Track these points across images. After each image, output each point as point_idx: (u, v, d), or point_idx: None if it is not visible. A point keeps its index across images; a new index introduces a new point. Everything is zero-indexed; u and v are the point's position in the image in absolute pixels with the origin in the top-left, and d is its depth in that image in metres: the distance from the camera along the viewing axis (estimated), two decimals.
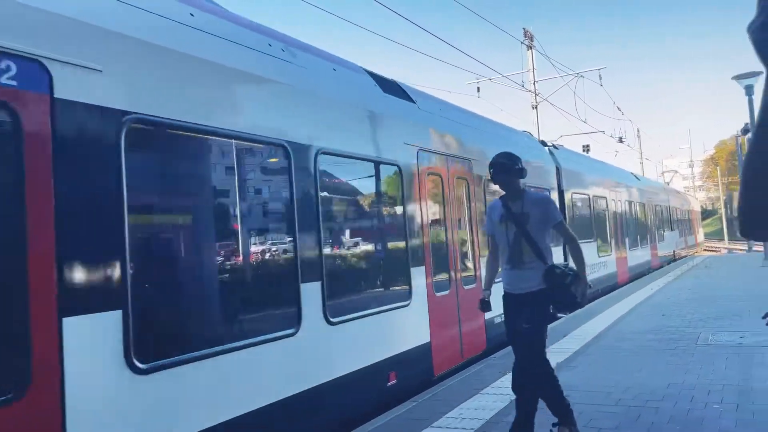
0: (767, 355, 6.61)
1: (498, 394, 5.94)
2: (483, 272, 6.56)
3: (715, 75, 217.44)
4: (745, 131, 23.13)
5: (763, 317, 2.11)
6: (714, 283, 15.26)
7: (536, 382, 4.43)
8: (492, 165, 4.54)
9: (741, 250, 36.77)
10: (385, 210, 6.76)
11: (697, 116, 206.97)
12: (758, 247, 25.98)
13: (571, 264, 4.48)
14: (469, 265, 8.34)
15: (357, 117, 6.23)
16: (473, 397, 5.89)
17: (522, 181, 4.60)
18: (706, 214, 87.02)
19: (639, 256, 20.18)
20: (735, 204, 63.28)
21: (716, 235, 68.02)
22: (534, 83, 24.14)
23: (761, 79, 19.03)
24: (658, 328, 9.03)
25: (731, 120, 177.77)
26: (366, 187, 6.50)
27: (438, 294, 7.22)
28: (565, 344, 8.24)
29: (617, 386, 5.94)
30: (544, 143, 13.87)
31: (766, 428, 4.48)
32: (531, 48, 23.90)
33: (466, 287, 7.95)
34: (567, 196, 13.11)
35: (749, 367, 6.18)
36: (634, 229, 20.13)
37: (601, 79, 25.58)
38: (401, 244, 6.76)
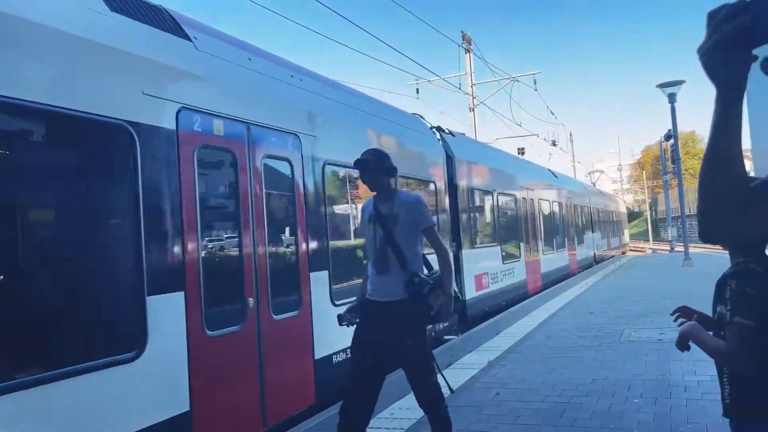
0: None
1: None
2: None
3: (642, 83, 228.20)
4: (668, 137, 24.29)
5: (672, 314, 2.18)
6: (638, 282, 15.95)
7: (430, 409, 3.96)
8: (356, 163, 4.12)
9: (664, 250, 38.63)
10: (99, 201, 4.22)
11: (626, 122, 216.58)
12: (680, 247, 27.37)
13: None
14: (288, 284, 5.90)
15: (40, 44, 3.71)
16: (404, 397, 5.90)
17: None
18: (633, 216, 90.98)
19: (554, 260, 18.37)
20: (660, 207, 66.68)
21: (642, 235, 71.28)
22: (471, 86, 24.57)
23: (684, 88, 19.61)
24: (585, 325, 9.34)
25: (657, 126, 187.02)
26: (64, 161, 4.08)
27: (213, 333, 4.71)
28: (497, 342, 8.40)
29: (545, 383, 6.09)
30: (439, 129, 11.42)
31: (682, 421, 4.69)
32: (469, 51, 24.31)
33: (277, 317, 5.57)
34: (461, 192, 11.15)
35: (667, 363, 6.46)
36: (551, 231, 18.45)
37: (535, 83, 26.41)
38: (124, 255, 4.24)
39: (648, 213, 72.39)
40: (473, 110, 24.78)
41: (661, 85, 20.12)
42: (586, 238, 24.83)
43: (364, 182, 4.15)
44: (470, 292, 10.83)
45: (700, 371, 5.86)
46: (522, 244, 14.90)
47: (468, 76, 24.58)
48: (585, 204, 25.94)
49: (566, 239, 20.59)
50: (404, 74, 60.24)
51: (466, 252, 10.89)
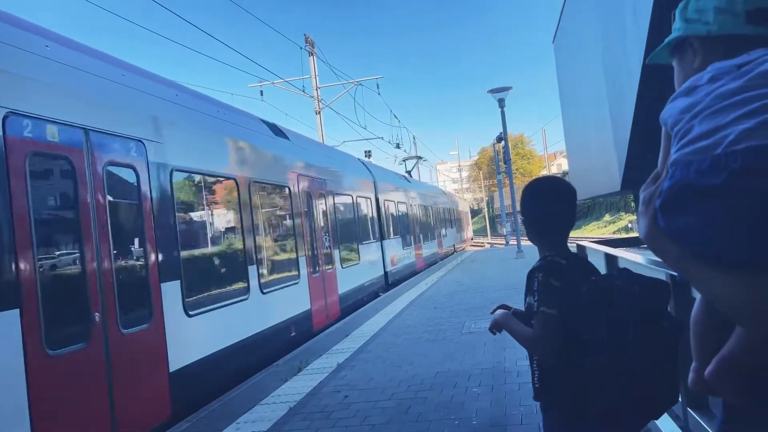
0: None
1: (277, 402, 5.82)
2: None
3: (478, 87, 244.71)
4: (499, 139, 26.20)
5: (492, 312, 2.28)
6: (478, 275, 16.97)
7: None
8: None
9: (501, 244, 41.63)
10: None
11: (464, 125, 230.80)
12: (513, 241, 29.61)
13: None
14: (137, 296, 5.62)
15: None
16: (252, 409, 5.70)
17: None
18: (473, 213, 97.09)
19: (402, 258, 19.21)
20: (495, 204, 72.07)
21: (481, 231, 76.33)
22: (316, 89, 24.61)
23: (512, 93, 20.90)
24: (430, 320, 9.72)
25: (491, 129, 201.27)
26: None
27: (54, 352, 4.42)
28: (347, 344, 8.44)
29: (392, 381, 6.21)
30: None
31: (515, 404, 5.01)
32: (312, 54, 24.33)
33: (126, 331, 5.26)
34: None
35: (502, 351, 6.90)
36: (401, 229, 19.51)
37: (378, 88, 27.14)
38: None
39: (485, 210, 77.66)
40: (319, 113, 24.86)
41: (492, 91, 21.64)
42: (433, 235, 26.33)
43: None
44: None
45: None
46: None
47: (312, 78, 24.60)
48: (430, 204, 27.06)
49: (413, 238, 21.52)
50: (247, 76, 58.78)
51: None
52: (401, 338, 8.51)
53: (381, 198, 17.29)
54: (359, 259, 14.08)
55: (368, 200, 15.88)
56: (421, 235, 23.46)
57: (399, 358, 7.26)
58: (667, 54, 1.41)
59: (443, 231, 30.74)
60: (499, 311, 2.15)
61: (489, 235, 66.25)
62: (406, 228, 20.59)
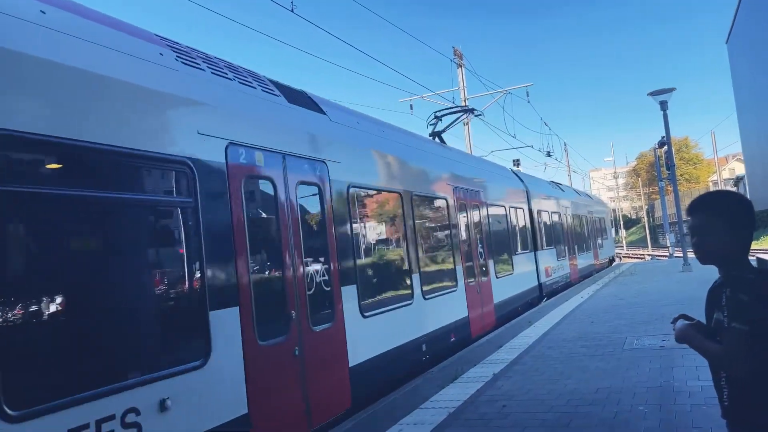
0: (687, 357, 7.00)
1: (436, 408, 6.02)
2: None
3: (635, 90, 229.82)
4: (661, 144, 24.49)
5: (672, 322, 2.26)
6: (639, 289, 16.00)
7: None
8: None
9: (663, 256, 38.71)
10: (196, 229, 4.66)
11: (620, 130, 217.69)
12: (679, 253, 27.46)
13: None
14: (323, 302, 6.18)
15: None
16: (412, 413, 5.94)
17: None
18: (630, 222, 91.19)
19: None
20: (657, 213, 67.18)
21: (641, 242, 71.39)
22: (465, 100, 24.78)
23: (675, 95, 19.61)
24: (587, 334, 9.39)
25: (650, 133, 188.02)
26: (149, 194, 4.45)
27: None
28: (501, 355, 8.45)
29: (550, 394, 6.14)
30: None
31: (687, 426, 4.74)
32: (461, 66, 24.57)
33: (314, 328, 5.91)
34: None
35: (670, 369, 6.52)
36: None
37: (528, 95, 26.59)
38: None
39: (645, 219, 72.55)
40: (467, 124, 24.99)
41: (653, 93, 20.34)
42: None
43: None
44: None
45: (703, 376, 5.93)
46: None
47: (461, 90, 24.82)
48: (584, 213, 24.94)
49: (567, 248, 20.51)
50: (398, 91, 60.56)
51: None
52: (557, 351, 8.34)
53: (534, 208, 16.94)
54: (513, 270, 13.92)
55: (521, 210, 15.64)
56: (575, 246, 22.25)
57: (555, 371, 7.14)
58: None
59: (599, 241, 29.08)
60: (682, 322, 2.13)
61: (650, 246, 61.71)
62: (559, 238, 19.77)
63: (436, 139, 13.74)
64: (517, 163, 30.76)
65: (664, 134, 22.04)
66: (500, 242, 13.32)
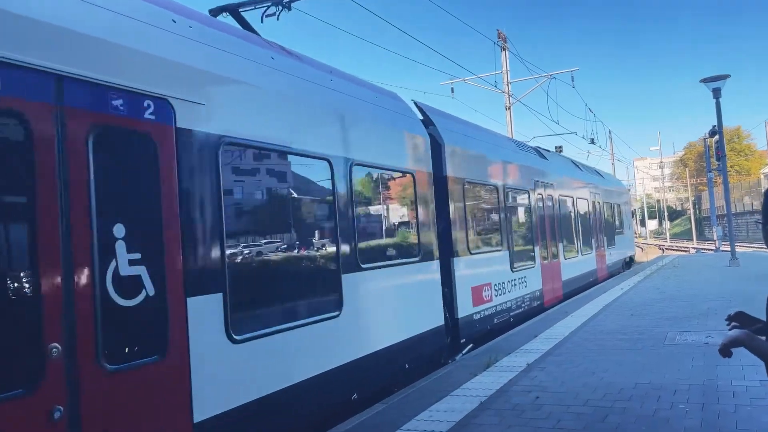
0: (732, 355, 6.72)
1: (467, 395, 5.92)
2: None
3: (684, 78, 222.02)
4: (712, 133, 23.57)
5: (726, 320, 2.11)
6: (682, 282, 15.51)
7: None
8: None
9: (709, 249, 37.53)
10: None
11: (667, 118, 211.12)
12: (726, 246, 26.54)
13: None
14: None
15: None
16: (443, 399, 5.86)
17: None
18: (675, 214, 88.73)
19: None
20: (703, 205, 65.18)
21: (686, 235, 69.43)
22: (507, 84, 24.31)
23: (728, 82, 18.85)
24: (625, 327, 9.13)
25: (699, 122, 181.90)
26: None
27: None
28: (536, 345, 8.28)
29: (586, 386, 5.97)
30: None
31: (731, 427, 4.54)
32: (504, 49, 24.06)
33: None
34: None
35: (714, 368, 6.26)
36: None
37: (573, 81, 25.91)
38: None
39: (691, 211, 70.42)
40: (509, 108, 24.53)
41: (706, 80, 19.52)
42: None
43: None
44: None
45: (749, 376, 5.66)
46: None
47: (504, 74, 24.33)
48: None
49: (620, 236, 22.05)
50: (439, 74, 59.96)
51: None
52: (594, 344, 8.13)
53: (594, 198, 18.71)
54: (577, 254, 15.89)
55: (584, 200, 17.40)
56: (627, 234, 24.21)
57: (592, 364, 6.95)
58: None
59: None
60: (739, 331, 1.97)
61: (695, 238, 59.93)
62: (614, 226, 21.32)
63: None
64: (559, 149, 30.06)
65: (716, 123, 21.19)
66: (566, 228, 15.37)
